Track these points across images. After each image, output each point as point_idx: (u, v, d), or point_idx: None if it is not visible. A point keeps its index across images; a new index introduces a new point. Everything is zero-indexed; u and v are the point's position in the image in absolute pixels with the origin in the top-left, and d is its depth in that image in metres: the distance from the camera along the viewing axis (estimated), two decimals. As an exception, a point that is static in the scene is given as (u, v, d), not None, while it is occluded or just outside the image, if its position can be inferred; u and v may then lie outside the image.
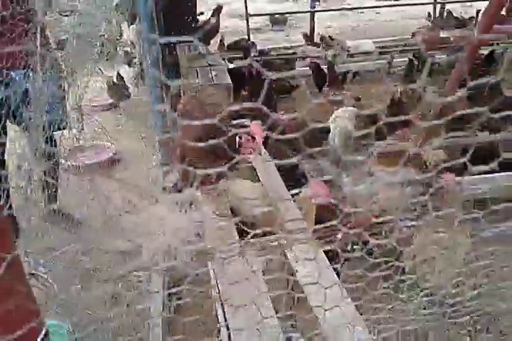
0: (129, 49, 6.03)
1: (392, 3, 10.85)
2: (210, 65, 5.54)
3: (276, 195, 1.91)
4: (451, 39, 5.06)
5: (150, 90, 3.91)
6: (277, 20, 9.97)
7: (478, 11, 7.37)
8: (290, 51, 7.20)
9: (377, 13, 11.11)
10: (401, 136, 3.52)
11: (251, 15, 6.13)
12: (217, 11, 6.06)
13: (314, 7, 7.57)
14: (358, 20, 10.91)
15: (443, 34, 5.51)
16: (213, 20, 6.07)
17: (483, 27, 1.57)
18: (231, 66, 6.23)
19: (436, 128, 3.75)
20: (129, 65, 5.95)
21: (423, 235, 2.53)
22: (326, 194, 2.03)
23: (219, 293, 1.44)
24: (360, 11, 10.93)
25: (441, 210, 2.52)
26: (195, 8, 7.09)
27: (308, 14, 8.67)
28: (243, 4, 6.56)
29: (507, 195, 3.39)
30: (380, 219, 1.59)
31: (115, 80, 5.41)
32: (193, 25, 6.57)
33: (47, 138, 3.21)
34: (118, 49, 6.21)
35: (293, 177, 3.31)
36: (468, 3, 8.22)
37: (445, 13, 7.37)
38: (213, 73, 5.27)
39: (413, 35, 6.17)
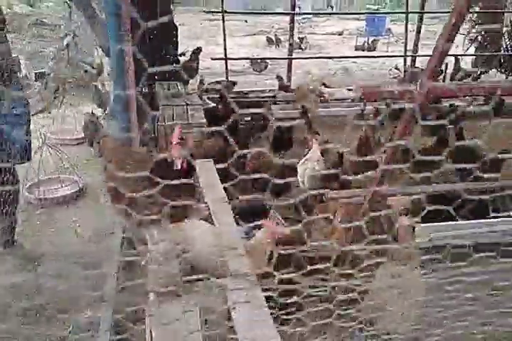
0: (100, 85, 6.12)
1: (367, 54, 11.53)
2: (187, 104, 5.64)
3: (227, 238, 1.87)
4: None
5: (120, 127, 3.92)
6: (258, 65, 10.36)
7: (446, 64, 7.89)
8: (267, 94, 7.44)
9: (353, 62, 11.71)
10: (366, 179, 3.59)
11: (229, 59, 6.36)
12: (197, 52, 6.27)
13: (291, 53, 7.86)
14: (335, 67, 11.43)
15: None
16: (193, 62, 6.27)
17: (424, 84, 1.67)
18: (211, 105, 6.37)
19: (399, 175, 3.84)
20: (99, 106, 6.00)
21: (379, 279, 2.50)
22: (281, 232, 2.02)
23: (151, 335, 1.37)
24: (338, 59, 11.47)
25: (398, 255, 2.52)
26: (177, 48, 7.35)
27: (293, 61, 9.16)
28: (230, 47, 6.84)
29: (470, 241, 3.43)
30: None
31: (91, 118, 5.41)
32: (174, 65, 6.77)
33: (7, 169, 3.15)
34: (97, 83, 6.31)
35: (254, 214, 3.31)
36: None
37: (412, 67, 7.86)
38: (190, 112, 5.35)
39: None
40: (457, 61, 7.61)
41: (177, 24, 7.23)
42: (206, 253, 1.90)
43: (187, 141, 2.18)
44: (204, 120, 5.06)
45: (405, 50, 6.98)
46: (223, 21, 6.44)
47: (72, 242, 3.50)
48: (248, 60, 10.60)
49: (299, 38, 14.95)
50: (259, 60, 10.52)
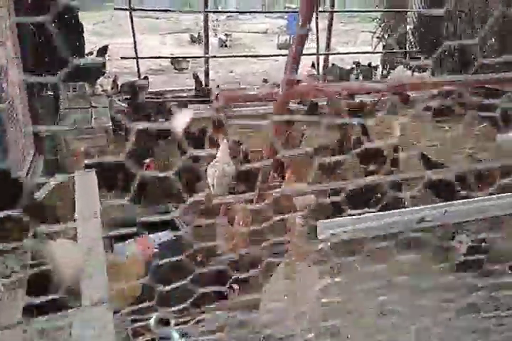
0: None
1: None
2: (92, 107, 5.32)
3: (92, 258, 1.71)
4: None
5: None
6: (179, 64, 10.13)
7: (358, 62, 8.24)
8: (184, 94, 7.29)
9: (276, 60, 11.84)
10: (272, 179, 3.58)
11: (140, 58, 6.09)
12: (103, 51, 5.93)
13: (208, 51, 7.75)
14: (260, 66, 11.48)
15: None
16: (98, 61, 5.92)
17: (286, 85, 1.64)
18: (123, 106, 6.09)
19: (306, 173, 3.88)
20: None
21: (273, 282, 2.48)
22: (151, 248, 1.90)
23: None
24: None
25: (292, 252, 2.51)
26: (83, 47, 6.92)
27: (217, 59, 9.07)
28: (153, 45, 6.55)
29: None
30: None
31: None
32: (81, 65, 6.36)
33: None
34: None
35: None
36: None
37: (330, 64, 8.12)
38: (94, 115, 5.03)
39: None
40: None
41: (82, 22, 6.82)
42: (67, 275, 1.73)
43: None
44: (109, 124, 4.79)
45: (317, 48, 7.14)
46: (131, 19, 6.17)
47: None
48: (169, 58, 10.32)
49: (225, 34, 14.86)
50: (179, 58, 10.28)
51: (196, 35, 14.54)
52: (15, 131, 3.55)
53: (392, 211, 3.35)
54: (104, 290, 1.52)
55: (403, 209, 3.41)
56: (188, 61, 10.25)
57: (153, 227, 3.14)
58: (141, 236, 2.00)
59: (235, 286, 2.73)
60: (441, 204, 3.61)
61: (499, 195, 3.87)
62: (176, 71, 10.25)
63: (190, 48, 14.04)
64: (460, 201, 3.70)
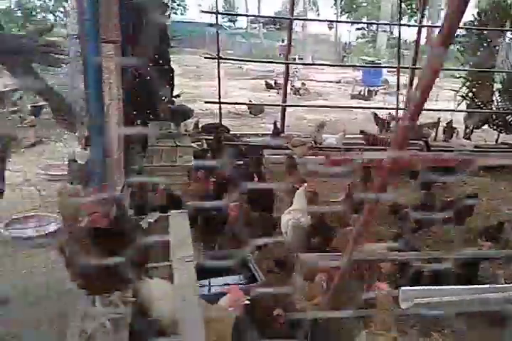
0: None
1: (361, 104, 11.80)
2: (177, 146, 5.61)
3: (186, 307, 1.71)
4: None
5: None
6: (255, 108, 10.54)
7: (438, 119, 8.02)
8: (260, 139, 7.50)
9: (350, 110, 11.92)
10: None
11: (222, 103, 6.42)
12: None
13: (286, 100, 7.99)
14: (330, 115, 11.58)
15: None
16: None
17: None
18: (204, 147, 6.37)
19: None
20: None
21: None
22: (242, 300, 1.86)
23: None
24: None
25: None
26: (173, 90, 7.45)
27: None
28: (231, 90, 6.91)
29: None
30: None
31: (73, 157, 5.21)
32: (169, 107, 6.82)
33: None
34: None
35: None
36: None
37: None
38: (179, 154, 5.29)
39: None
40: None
41: (173, 66, 7.40)
42: (163, 313, 1.74)
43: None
44: (192, 163, 4.99)
45: (397, 102, 7.10)
46: (218, 67, 6.58)
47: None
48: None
49: (302, 83, 15.32)
50: (256, 104, 10.72)
51: (271, 82, 15.16)
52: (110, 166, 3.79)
53: (487, 286, 3.05)
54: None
55: (498, 285, 3.08)
56: (263, 107, 10.64)
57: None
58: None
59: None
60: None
61: None
62: (252, 116, 10.65)
63: (265, 94, 14.62)
64: None
